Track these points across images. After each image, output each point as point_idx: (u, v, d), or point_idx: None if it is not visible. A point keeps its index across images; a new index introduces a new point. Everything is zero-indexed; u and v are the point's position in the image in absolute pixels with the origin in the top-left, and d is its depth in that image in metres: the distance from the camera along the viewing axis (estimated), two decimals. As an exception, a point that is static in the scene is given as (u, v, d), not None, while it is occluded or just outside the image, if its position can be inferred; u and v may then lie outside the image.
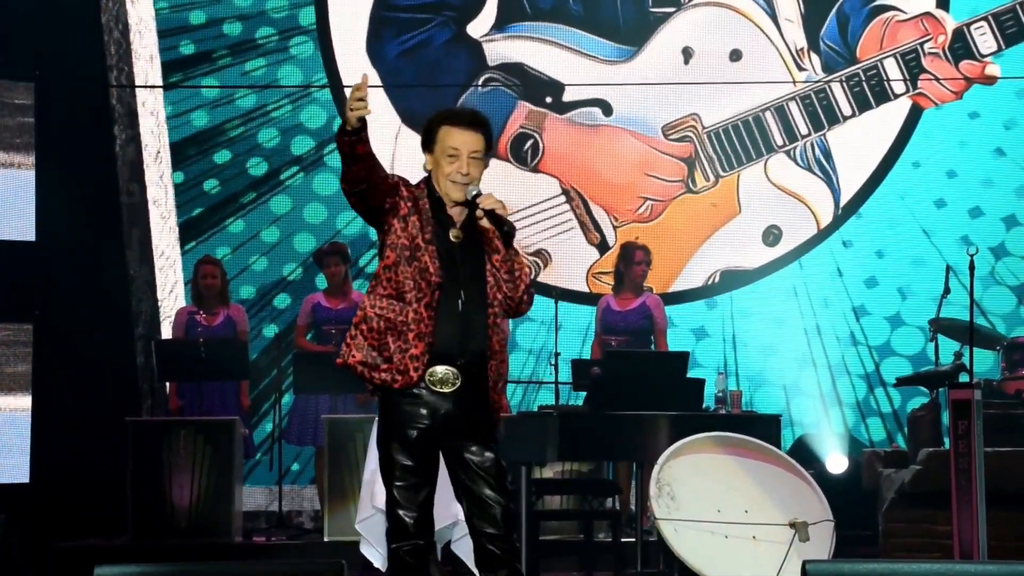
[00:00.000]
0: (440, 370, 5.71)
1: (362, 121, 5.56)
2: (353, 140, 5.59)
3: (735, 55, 12.13)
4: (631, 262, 10.71)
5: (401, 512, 5.74)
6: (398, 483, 5.76)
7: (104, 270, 11.69)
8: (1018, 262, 11.87)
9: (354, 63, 12.24)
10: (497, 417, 5.85)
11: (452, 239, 5.78)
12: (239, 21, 12.37)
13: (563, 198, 12.04)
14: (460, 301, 5.72)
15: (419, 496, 5.75)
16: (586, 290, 11.99)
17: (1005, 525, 8.24)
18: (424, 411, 5.72)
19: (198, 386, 10.59)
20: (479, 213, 5.76)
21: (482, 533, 5.78)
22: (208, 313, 10.77)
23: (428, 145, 5.83)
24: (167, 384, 11.32)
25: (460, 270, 5.75)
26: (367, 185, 5.69)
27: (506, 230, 5.73)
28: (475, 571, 5.99)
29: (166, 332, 11.87)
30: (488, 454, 5.78)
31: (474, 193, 5.74)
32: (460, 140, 5.78)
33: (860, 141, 12.06)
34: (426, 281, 5.69)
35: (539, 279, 11.56)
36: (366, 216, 5.86)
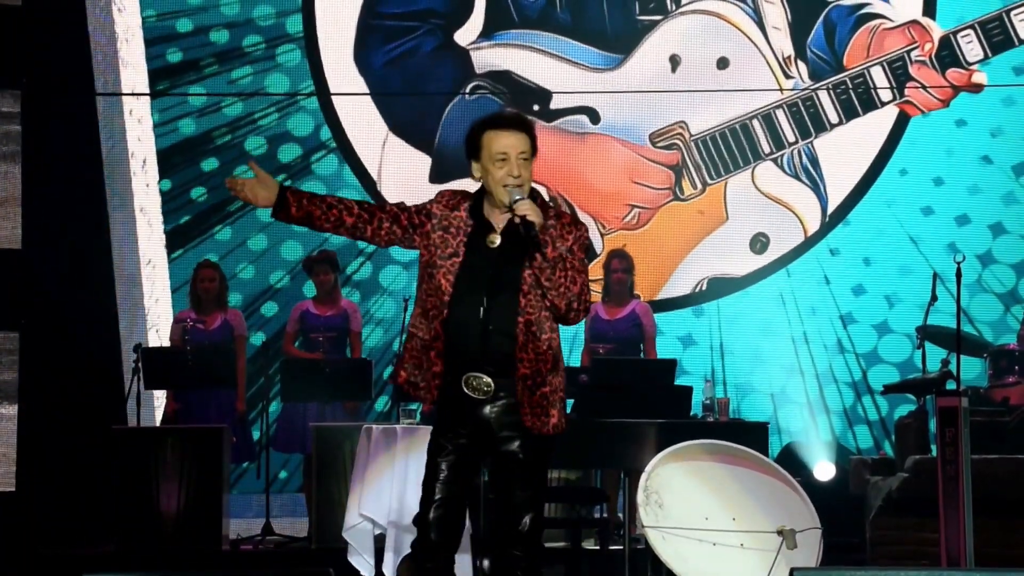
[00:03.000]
0: (473, 377, 5.69)
1: (281, 196, 5.62)
2: (278, 216, 5.68)
3: (722, 63, 12.15)
4: (608, 270, 10.75)
5: (425, 523, 5.71)
6: (429, 493, 5.73)
7: (91, 278, 11.67)
8: (1005, 269, 11.89)
9: (341, 71, 12.24)
10: (542, 428, 5.73)
11: (488, 245, 5.75)
12: (226, 29, 12.36)
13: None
14: (482, 308, 5.69)
15: (442, 509, 5.71)
16: (574, 298, 11.97)
17: (992, 533, 8.25)
18: (463, 419, 5.70)
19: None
20: (516, 220, 5.73)
21: (503, 557, 5.76)
22: (205, 316, 10.75)
23: (475, 153, 5.77)
24: (154, 391, 11.34)
25: (484, 276, 5.71)
26: (345, 233, 5.74)
27: (532, 235, 5.69)
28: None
29: (153, 340, 11.86)
30: (513, 468, 5.71)
31: (516, 198, 5.71)
32: (508, 143, 5.75)
33: (847, 149, 12.08)
34: (439, 299, 5.68)
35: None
36: (399, 246, 5.93)
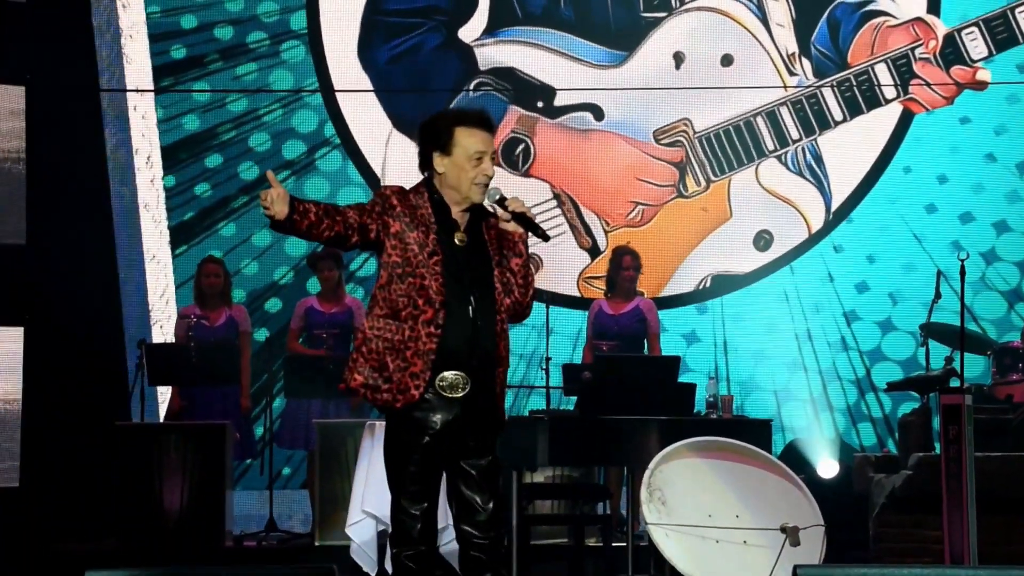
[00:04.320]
0: (450, 375, 5.70)
1: (290, 208, 5.55)
2: (285, 231, 5.63)
3: (726, 60, 12.14)
4: (619, 267, 10.72)
5: (406, 518, 5.75)
6: (405, 490, 5.75)
7: (95, 274, 11.68)
8: (1008, 267, 11.88)
9: (345, 67, 12.24)
10: (503, 422, 5.88)
11: (457, 242, 5.76)
12: (230, 25, 12.36)
13: (554, 202, 12.05)
14: (470, 308, 5.72)
15: (424, 503, 5.75)
16: (577, 294, 11.99)
17: (995, 530, 8.24)
18: (434, 418, 5.72)
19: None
20: (505, 216, 5.76)
21: (468, 539, 5.79)
22: (210, 312, 10.77)
23: (444, 147, 5.77)
24: (157, 388, 11.36)
25: (466, 275, 5.74)
26: (333, 243, 5.73)
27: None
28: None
29: (157, 336, 11.87)
30: (484, 461, 5.78)
31: (497, 197, 5.74)
32: (484, 142, 5.77)
33: (851, 146, 12.07)
34: (424, 298, 5.66)
35: (530, 283, 11.57)
36: (364, 250, 5.91)
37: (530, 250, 5.91)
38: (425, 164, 5.82)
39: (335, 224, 5.65)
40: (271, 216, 5.56)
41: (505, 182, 11.72)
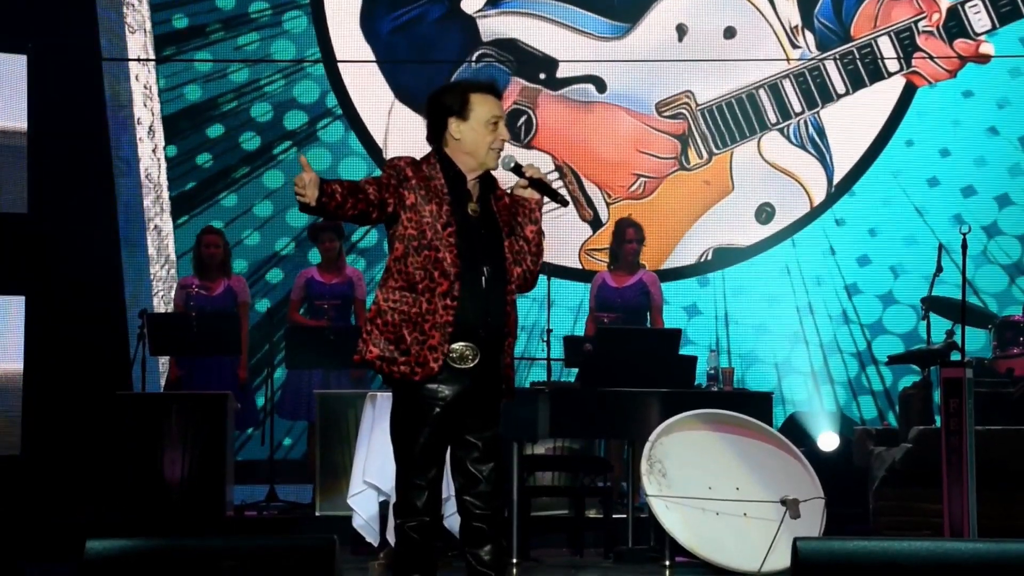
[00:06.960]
0: (459, 346, 5.69)
1: (319, 194, 5.55)
2: (313, 212, 5.64)
3: (729, 32, 12.12)
4: (623, 240, 10.71)
5: (412, 490, 5.74)
6: (413, 462, 5.75)
7: (96, 243, 11.68)
8: (1010, 241, 11.88)
9: (347, 38, 12.22)
10: (510, 393, 5.89)
11: (470, 213, 5.76)
12: (232, -5, 12.36)
13: (556, 174, 12.05)
14: (483, 278, 5.72)
15: (430, 474, 5.75)
16: (579, 267, 12.00)
17: (995, 503, 8.26)
18: (444, 390, 5.71)
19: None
20: (522, 183, 5.77)
21: (471, 510, 5.79)
22: (209, 283, 10.77)
23: (461, 113, 5.76)
24: (158, 357, 11.36)
25: (479, 246, 5.74)
26: (356, 220, 5.72)
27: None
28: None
29: (158, 306, 11.88)
30: (488, 432, 5.79)
31: (512, 164, 5.75)
32: (498, 107, 5.79)
33: (853, 119, 12.06)
34: (439, 271, 5.66)
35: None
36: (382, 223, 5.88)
37: None
38: (437, 133, 5.80)
39: (358, 203, 5.65)
40: (304, 201, 5.56)
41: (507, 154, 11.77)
